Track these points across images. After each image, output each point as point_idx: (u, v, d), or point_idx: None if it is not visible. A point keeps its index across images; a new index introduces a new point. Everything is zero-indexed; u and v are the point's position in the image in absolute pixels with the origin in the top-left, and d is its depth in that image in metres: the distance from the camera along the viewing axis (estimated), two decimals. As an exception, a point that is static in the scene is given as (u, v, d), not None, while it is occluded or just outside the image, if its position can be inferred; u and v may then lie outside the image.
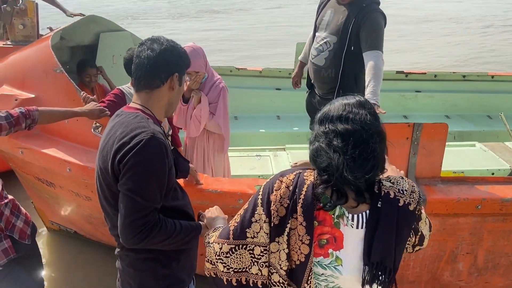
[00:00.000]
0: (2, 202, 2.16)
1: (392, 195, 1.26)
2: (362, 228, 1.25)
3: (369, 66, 2.83)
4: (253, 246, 1.33)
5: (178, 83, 1.64)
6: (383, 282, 1.25)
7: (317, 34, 3.18)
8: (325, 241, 1.27)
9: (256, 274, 1.35)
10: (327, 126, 1.25)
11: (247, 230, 1.34)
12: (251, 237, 1.33)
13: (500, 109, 4.61)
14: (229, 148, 3.85)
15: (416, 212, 1.30)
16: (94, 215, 2.92)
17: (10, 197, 2.25)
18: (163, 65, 1.57)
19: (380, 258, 1.23)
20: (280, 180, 1.33)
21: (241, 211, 1.39)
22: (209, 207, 2.39)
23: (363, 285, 1.26)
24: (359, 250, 1.26)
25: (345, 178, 1.19)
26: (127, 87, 2.92)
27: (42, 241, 3.58)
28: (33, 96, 2.78)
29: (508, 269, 2.57)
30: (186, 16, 15.68)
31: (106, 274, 3.11)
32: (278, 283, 1.33)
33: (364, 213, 1.26)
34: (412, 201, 1.28)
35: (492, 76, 5.00)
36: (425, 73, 4.99)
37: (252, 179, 2.50)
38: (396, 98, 4.97)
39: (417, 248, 1.43)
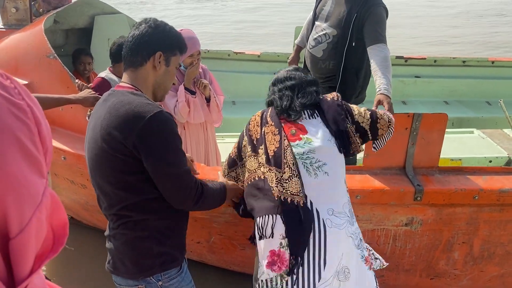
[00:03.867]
0: None
1: (321, 97, 2.03)
2: (314, 118, 1.96)
3: (379, 59, 2.78)
4: (246, 161, 1.99)
5: (164, 63, 1.63)
6: (351, 142, 1.96)
7: (316, 23, 3.11)
8: (294, 131, 1.92)
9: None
10: (279, 85, 2.05)
11: (241, 153, 2.03)
12: (244, 156, 2.01)
13: (500, 95, 4.59)
14: (227, 133, 3.83)
15: (342, 102, 2.01)
16: (90, 202, 2.91)
17: None
18: (144, 42, 1.60)
19: (336, 127, 1.92)
20: (253, 116, 2.06)
21: (235, 145, 2.09)
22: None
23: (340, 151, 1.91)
24: (319, 130, 1.92)
25: (297, 109, 1.95)
26: (108, 73, 2.86)
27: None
28: (26, 82, 2.73)
29: (504, 259, 2.58)
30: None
31: (103, 259, 3.12)
32: (264, 172, 1.88)
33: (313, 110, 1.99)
34: (335, 96, 2.04)
35: (492, 62, 4.96)
36: (425, 58, 4.94)
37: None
38: (395, 84, 4.88)
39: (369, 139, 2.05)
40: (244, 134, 2.03)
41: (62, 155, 2.50)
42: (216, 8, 14.92)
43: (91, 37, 4.18)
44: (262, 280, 1.81)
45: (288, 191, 1.80)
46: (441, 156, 2.49)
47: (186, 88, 2.60)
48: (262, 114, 2.02)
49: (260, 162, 1.90)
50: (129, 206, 1.59)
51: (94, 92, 2.37)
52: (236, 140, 3.71)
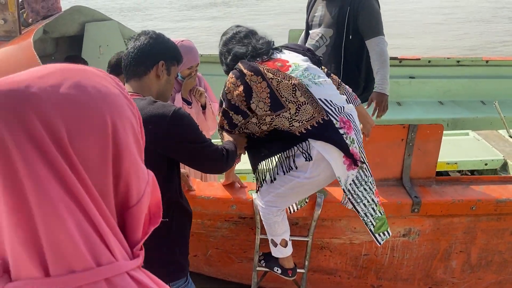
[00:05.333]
0: None
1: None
2: (284, 53, 2.01)
3: (375, 54, 2.81)
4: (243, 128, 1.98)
5: (166, 72, 1.69)
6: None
7: (310, 31, 3.09)
8: (279, 63, 1.92)
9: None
10: (232, 41, 2.01)
11: (235, 123, 1.96)
12: (239, 127, 1.98)
13: (494, 94, 4.58)
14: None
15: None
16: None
17: None
18: (147, 52, 1.65)
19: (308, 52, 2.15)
20: (227, 83, 1.93)
21: (221, 120, 2.01)
22: (201, 213, 2.36)
23: None
24: (294, 56, 2.00)
25: (263, 48, 1.96)
26: None
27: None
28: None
29: (501, 266, 2.58)
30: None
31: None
32: (273, 120, 1.91)
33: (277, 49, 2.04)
34: None
35: (487, 61, 4.95)
36: (419, 59, 4.92)
37: (246, 183, 2.46)
38: (389, 85, 4.90)
39: None
40: (227, 106, 1.95)
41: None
42: (211, 15, 14.81)
43: (82, 44, 4.12)
44: (348, 186, 1.91)
45: (303, 121, 1.85)
46: (437, 160, 2.48)
47: (182, 98, 2.59)
48: (236, 76, 1.90)
49: (261, 116, 1.90)
50: None
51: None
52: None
